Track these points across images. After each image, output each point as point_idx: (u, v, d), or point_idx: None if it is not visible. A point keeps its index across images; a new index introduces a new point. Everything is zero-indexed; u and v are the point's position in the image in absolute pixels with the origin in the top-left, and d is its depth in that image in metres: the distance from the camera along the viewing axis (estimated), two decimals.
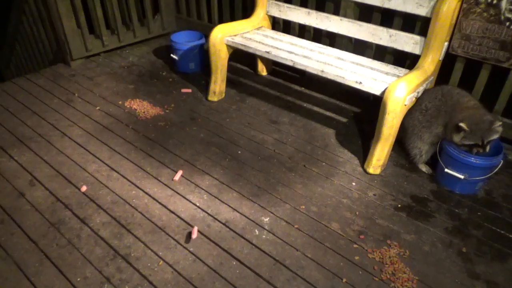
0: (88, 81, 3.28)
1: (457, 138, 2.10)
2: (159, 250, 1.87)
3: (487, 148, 2.08)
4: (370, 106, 2.93)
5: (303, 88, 3.28)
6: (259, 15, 3.09)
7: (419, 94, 2.31)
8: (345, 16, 2.80)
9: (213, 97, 3.07)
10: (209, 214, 2.07)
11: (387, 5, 2.51)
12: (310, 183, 2.30)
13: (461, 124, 2.03)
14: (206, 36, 3.06)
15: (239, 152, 2.52)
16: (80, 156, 2.45)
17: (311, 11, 2.86)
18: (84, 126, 2.73)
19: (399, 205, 2.16)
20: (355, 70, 2.47)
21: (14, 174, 2.30)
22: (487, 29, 2.25)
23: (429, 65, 2.36)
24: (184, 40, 3.43)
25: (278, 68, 3.52)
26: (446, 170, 2.20)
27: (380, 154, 2.32)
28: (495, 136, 2.07)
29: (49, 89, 3.16)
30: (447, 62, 2.50)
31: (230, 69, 3.31)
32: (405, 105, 2.18)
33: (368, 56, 2.74)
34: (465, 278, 1.78)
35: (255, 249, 1.89)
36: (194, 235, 1.93)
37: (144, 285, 1.71)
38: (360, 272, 1.79)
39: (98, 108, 2.93)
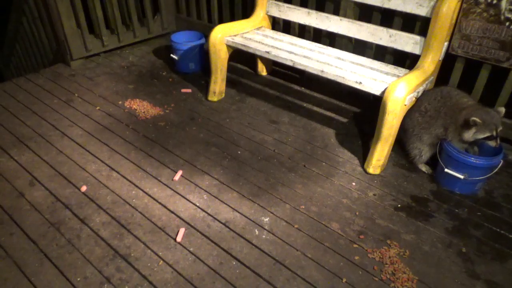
0: (88, 81, 3.28)
1: (468, 134, 2.08)
2: (159, 250, 1.87)
3: (498, 140, 2.08)
4: (370, 106, 2.93)
5: (303, 88, 3.28)
6: (259, 15, 3.09)
7: (419, 94, 2.31)
8: (345, 16, 2.80)
9: (213, 97, 3.07)
10: (209, 214, 2.07)
11: (387, 5, 2.51)
12: (310, 183, 2.30)
13: (474, 118, 2.01)
14: (206, 36, 3.06)
15: (239, 152, 2.52)
16: (80, 156, 2.45)
17: (311, 11, 2.86)
18: (84, 126, 2.73)
19: (399, 205, 2.16)
20: (355, 70, 2.47)
21: (14, 174, 2.30)
22: (487, 29, 2.25)
23: (429, 65, 2.36)
24: (184, 40, 3.43)
25: (278, 68, 3.53)
26: (446, 170, 2.20)
27: (380, 154, 2.32)
28: (501, 128, 2.07)
29: (49, 89, 3.16)
30: (447, 62, 2.50)
31: (230, 69, 3.31)
32: (405, 105, 2.18)
33: (368, 56, 2.74)
34: (465, 278, 1.78)
35: (255, 249, 1.89)
36: (179, 238, 1.92)
37: (144, 285, 1.71)
38: (360, 272, 1.80)
39: (98, 108, 2.93)
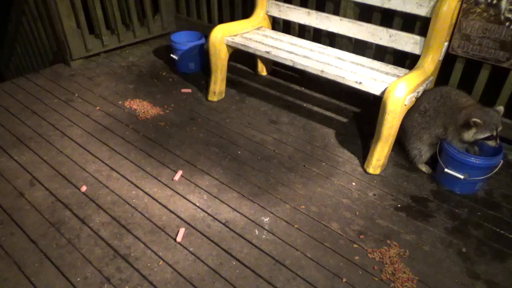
0: (88, 81, 3.28)
1: (468, 135, 2.08)
2: (159, 250, 1.87)
3: (498, 140, 2.09)
4: (370, 106, 2.93)
5: (303, 88, 3.28)
6: (259, 15, 3.09)
7: (419, 94, 2.31)
8: (345, 16, 2.80)
9: (213, 97, 3.07)
10: (209, 214, 2.07)
11: (387, 5, 2.51)
12: (310, 183, 2.30)
13: (474, 119, 2.00)
14: (206, 36, 3.06)
15: (239, 152, 2.52)
16: (80, 156, 2.45)
17: (311, 11, 2.86)
18: (84, 126, 2.73)
19: (399, 205, 2.16)
20: (355, 70, 2.47)
21: (14, 174, 2.30)
22: (487, 29, 2.25)
23: (429, 65, 2.36)
24: (184, 40, 3.43)
25: (278, 68, 3.53)
26: (446, 170, 2.20)
27: (380, 154, 2.32)
28: (500, 127, 2.07)
29: (49, 89, 3.16)
30: (447, 62, 2.50)
31: (230, 69, 3.31)
32: (405, 105, 2.18)
33: (368, 56, 2.74)
34: (465, 278, 1.78)
35: (255, 249, 1.89)
36: (179, 238, 1.92)
37: (144, 285, 1.71)
38: (360, 272, 1.80)
39: (98, 108, 2.93)
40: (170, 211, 2.08)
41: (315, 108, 3.01)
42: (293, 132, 2.73)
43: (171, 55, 3.38)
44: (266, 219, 2.05)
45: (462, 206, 2.17)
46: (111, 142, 2.57)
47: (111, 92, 3.13)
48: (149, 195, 2.18)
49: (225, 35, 2.85)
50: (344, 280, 1.76)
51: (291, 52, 2.69)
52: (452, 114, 2.16)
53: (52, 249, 1.86)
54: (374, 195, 2.23)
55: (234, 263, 1.82)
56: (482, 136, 2.06)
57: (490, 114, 2.05)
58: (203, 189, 2.23)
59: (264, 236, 1.96)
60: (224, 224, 2.02)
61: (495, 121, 2.03)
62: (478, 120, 2.00)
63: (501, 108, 2.13)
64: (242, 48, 2.79)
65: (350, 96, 3.10)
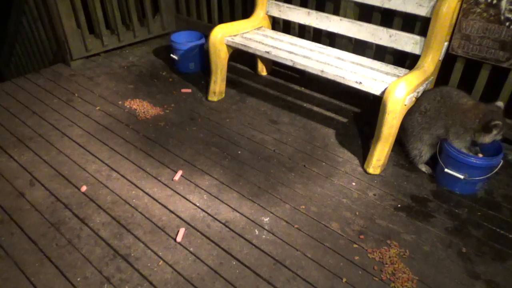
0: (88, 81, 3.28)
1: (489, 138, 2.09)
2: (159, 250, 1.87)
3: None
4: (370, 106, 2.93)
5: (303, 88, 3.28)
6: (259, 15, 3.09)
7: (419, 94, 2.31)
8: (345, 16, 2.80)
9: (213, 97, 3.07)
10: (209, 214, 2.07)
11: (387, 5, 2.51)
12: (310, 183, 2.30)
13: (497, 122, 2.02)
14: (206, 36, 3.06)
15: (239, 152, 2.52)
16: (80, 156, 2.45)
17: (311, 11, 2.86)
18: (84, 126, 2.73)
19: (399, 205, 2.16)
20: (355, 70, 2.47)
21: (14, 174, 2.30)
22: (487, 29, 2.25)
23: (429, 65, 2.36)
24: (184, 40, 3.44)
25: (278, 68, 3.52)
26: (446, 170, 2.21)
27: (380, 154, 2.32)
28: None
29: (49, 89, 3.16)
30: (447, 62, 2.50)
31: (230, 69, 3.31)
32: (405, 105, 2.18)
33: (368, 56, 2.74)
34: (465, 278, 1.78)
35: (255, 249, 1.89)
36: (179, 238, 1.92)
37: (144, 285, 1.71)
38: (360, 272, 1.80)
39: (98, 108, 2.93)
40: (170, 211, 2.09)
41: (315, 108, 3.01)
42: (293, 132, 2.73)
43: (171, 55, 3.38)
44: (266, 219, 2.05)
45: (462, 206, 2.17)
46: (111, 142, 2.57)
47: (111, 92, 3.14)
48: (149, 195, 2.18)
49: (225, 35, 2.85)
50: (344, 280, 1.76)
51: (291, 52, 2.69)
52: (454, 115, 2.16)
53: (52, 249, 1.86)
54: (374, 195, 2.23)
55: (234, 263, 1.82)
56: (499, 136, 2.11)
57: (499, 113, 2.09)
58: (203, 189, 2.23)
59: (264, 236, 1.96)
60: (224, 224, 2.02)
61: (503, 120, 2.08)
62: (500, 122, 2.03)
63: (501, 104, 2.15)
64: (242, 48, 2.79)
65: (350, 96, 3.09)
